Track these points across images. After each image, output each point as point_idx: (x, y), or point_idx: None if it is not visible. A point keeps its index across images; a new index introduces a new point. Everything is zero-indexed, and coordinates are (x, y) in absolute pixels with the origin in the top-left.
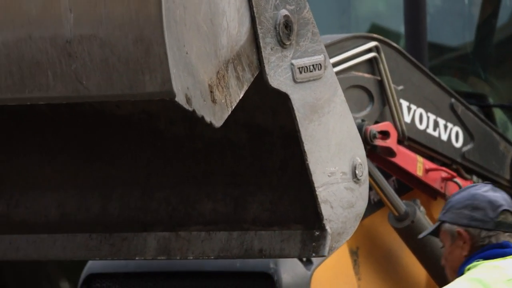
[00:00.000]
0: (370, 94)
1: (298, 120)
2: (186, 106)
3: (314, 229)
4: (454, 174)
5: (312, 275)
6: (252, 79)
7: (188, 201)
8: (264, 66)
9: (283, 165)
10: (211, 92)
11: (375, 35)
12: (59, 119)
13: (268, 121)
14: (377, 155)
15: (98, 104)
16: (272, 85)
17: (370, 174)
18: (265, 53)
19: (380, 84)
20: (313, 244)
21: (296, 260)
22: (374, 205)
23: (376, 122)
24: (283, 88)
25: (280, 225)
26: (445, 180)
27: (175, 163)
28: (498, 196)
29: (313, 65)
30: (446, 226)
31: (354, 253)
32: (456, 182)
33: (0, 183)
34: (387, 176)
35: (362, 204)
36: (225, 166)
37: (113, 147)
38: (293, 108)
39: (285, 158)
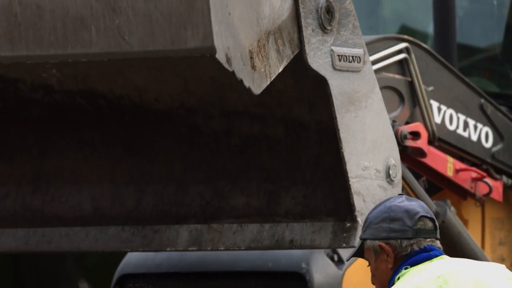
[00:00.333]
0: (401, 95)
1: (335, 106)
2: (226, 66)
3: (345, 221)
4: (484, 174)
5: (344, 275)
6: (291, 56)
7: (222, 195)
8: (304, 46)
9: (317, 160)
10: (251, 58)
11: (405, 37)
12: (98, 113)
13: (305, 115)
14: (408, 155)
15: (137, 97)
16: (312, 66)
17: (402, 175)
18: (306, 33)
19: (411, 85)
20: (344, 235)
21: (328, 260)
22: None
23: (407, 123)
24: (322, 71)
25: (312, 217)
26: (475, 180)
27: (211, 159)
28: (414, 204)
29: (352, 57)
30: (368, 243)
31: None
32: (486, 182)
33: (36, 179)
34: (417, 177)
35: None
36: (261, 162)
37: (150, 142)
38: (330, 94)
39: (320, 154)
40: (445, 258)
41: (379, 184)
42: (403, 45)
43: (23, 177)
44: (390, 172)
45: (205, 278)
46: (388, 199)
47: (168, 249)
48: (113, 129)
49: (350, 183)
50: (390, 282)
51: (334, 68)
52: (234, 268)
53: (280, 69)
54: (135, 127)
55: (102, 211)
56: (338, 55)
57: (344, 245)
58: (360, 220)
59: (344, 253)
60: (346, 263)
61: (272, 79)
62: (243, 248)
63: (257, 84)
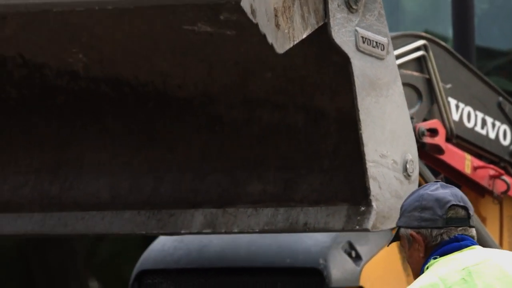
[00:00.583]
0: (419, 92)
1: (356, 87)
2: (251, 17)
3: (360, 205)
4: (502, 171)
5: (362, 271)
6: (315, 26)
7: (239, 183)
8: (329, 19)
9: (336, 149)
10: (276, 16)
11: (423, 34)
12: (122, 101)
13: (326, 103)
14: (426, 152)
15: (161, 84)
16: (335, 40)
17: (419, 172)
18: (332, 6)
19: (429, 82)
20: (358, 218)
21: (345, 256)
22: None
23: (425, 120)
24: (345, 48)
25: (327, 203)
26: (493, 177)
27: (229, 148)
28: (447, 192)
29: (376, 43)
30: (402, 231)
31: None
32: (504, 180)
33: (56, 167)
34: (435, 174)
35: None
36: (279, 150)
37: (170, 131)
38: (352, 74)
39: (339, 142)
40: (476, 248)
41: (396, 176)
42: (421, 42)
43: (42, 165)
44: (407, 167)
45: (224, 274)
46: (422, 187)
47: (182, 231)
48: (136, 117)
49: (367, 166)
50: (421, 271)
51: (358, 49)
52: (253, 264)
53: (304, 36)
54: (157, 115)
55: (119, 198)
56: (362, 37)
57: (357, 227)
58: (375, 204)
59: (362, 249)
60: (364, 259)
61: (295, 42)
62: (257, 230)
63: (280, 43)
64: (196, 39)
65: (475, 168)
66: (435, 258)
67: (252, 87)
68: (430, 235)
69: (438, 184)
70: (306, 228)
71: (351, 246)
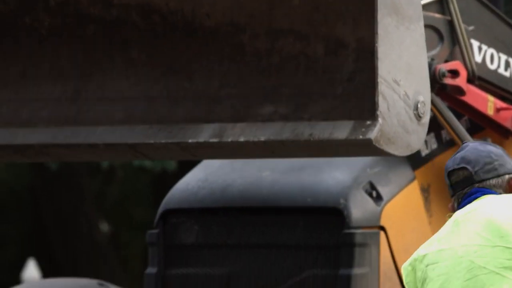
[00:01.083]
0: (440, 34)
1: (378, 2)
2: None
3: (366, 120)
4: None
5: (382, 211)
6: None
7: (252, 106)
8: None
9: (351, 77)
10: None
11: None
12: (150, 31)
13: (347, 32)
14: (448, 94)
15: (190, 13)
16: None
17: (440, 113)
18: None
19: (450, 24)
20: (363, 129)
21: (366, 196)
22: (446, 144)
23: (446, 62)
24: None
25: (335, 120)
26: None
27: (248, 76)
28: (453, 157)
29: None
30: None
31: (425, 191)
32: None
33: (77, 94)
34: (459, 116)
35: (416, 141)
36: (296, 79)
37: (193, 61)
38: None
39: (355, 71)
40: (482, 198)
41: (406, 109)
42: None
43: (63, 93)
44: (419, 107)
45: (247, 213)
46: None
47: (190, 140)
48: (161, 48)
49: (378, 81)
50: None
51: None
52: (275, 204)
53: None
54: (182, 46)
55: (133, 117)
56: None
57: (360, 137)
58: (381, 120)
59: (383, 189)
60: (384, 199)
61: None
62: (262, 139)
63: None
64: None
65: (498, 110)
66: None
67: (278, 15)
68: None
69: (462, 147)
70: (311, 138)
71: (372, 186)
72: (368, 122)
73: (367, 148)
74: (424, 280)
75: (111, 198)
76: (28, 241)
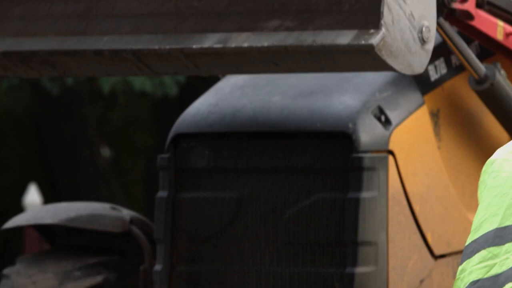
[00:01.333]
0: None
1: None
2: None
3: (370, 29)
4: None
5: (391, 135)
6: None
7: (259, 20)
8: None
9: None
10: None
11: None
12: None
13: None
14: (456, 18)
15: None
16: None
17: (450, 38)
18: None
19: None
20: (365, 36)
21: (375, 120)
22: (456, 69)
23: None
24: None
25: (340, 29)
26: None
27: None
28: None
29: None
30: None
31: (434, 115)
32: None
33: (87, 13)
34: (469, 41)
35: (418, 64)
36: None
37: None
38: None
39: None
40: None
41: (410, 29)
42: None
43: (74, 12)
44: (423, 30)
45: (257, 138)
46: None
47: (194, 46)
48: None
49: None
50: None
51: None
52: (284, 129)
53: None
54: None
55: (140, 30)
56: None
57: (363, 42)
58: (384, 30)
59: (392, 113)
60: (393, 123)
61: None
62: (265, 44)
63: None
64: None
65: (507, 35)
66: None
67: None
68: None
69: None
70: (313, 43)
71: (381, 111)
72: (372, 31)
73: (369, 56)
74: (485, 186)
75: (112, 123)
76: (29, 166)
